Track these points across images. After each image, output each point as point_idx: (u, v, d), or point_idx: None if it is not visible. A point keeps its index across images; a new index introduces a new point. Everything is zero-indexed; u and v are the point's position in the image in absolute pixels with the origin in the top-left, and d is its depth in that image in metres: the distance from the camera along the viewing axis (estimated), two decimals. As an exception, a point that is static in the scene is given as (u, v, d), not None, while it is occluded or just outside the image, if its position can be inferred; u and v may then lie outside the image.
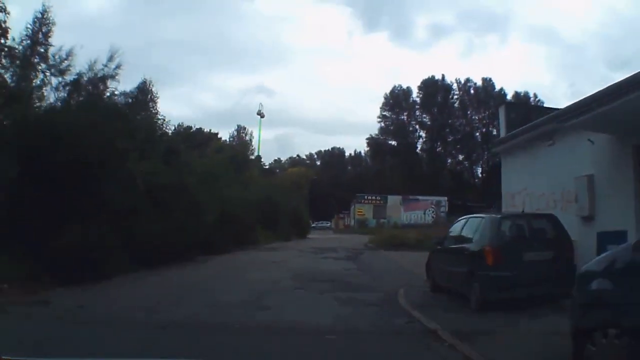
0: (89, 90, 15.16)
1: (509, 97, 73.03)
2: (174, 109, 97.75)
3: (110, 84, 15.27)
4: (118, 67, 15.13)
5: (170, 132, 22.08)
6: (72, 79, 16.22)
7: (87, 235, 11.20)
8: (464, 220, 9.75)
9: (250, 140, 56.00)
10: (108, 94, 15.30)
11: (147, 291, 10.60)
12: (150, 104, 31.78)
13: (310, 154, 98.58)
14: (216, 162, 25.16)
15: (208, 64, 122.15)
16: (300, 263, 17.51)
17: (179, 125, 45.12)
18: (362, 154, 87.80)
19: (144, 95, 32.88)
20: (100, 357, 4.89)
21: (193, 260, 17.31)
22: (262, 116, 49.08)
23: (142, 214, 15.13)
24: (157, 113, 27.27)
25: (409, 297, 9.67)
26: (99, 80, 15.23)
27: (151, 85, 32.55)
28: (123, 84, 26.06)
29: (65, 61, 16.87)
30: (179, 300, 9.22)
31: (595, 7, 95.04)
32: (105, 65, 15.14)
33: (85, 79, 16.10)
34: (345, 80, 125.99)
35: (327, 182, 79.90)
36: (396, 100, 76.85)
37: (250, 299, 9.37)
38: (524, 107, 14.97)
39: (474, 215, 9.73)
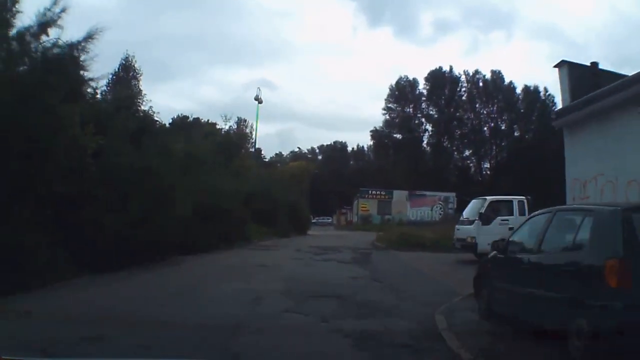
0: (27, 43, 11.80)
1: (519, 90, 70.15)
2: (175, 102, 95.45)
3: (53, 32, 11.88)
4: (63, 10, 11.71)
5: (149, 110, 18.64)
6: (14, 33, 13.05)
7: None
8: (547, 215, 6.24)
9: (251, 132, 52.66)
10: (48, 44, 11.85)
11: (54, 318, 6.80)
12: (133, 81, 28.61)
13: (312, 148, 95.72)
14: (201, 146, 21.72)
15: (209, 59, 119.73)
16: (296, 267, 14.19)
17: (177, 116, 42.32)
18: (365, 148, 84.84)
19: (126, 72, 29.64)
20: (100, 357, 4.65)
21: (164, 261, 14.06)
22: (260, 102, 45.58)
23: (95, 202, 11.87)
24: (140, 91, 24.16)
25: (457, 331, 6.32)
26: (40, 30, 11.85)
27: (134, 62, 29.21)
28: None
29: (8, 12, 13.72)
30: (85, 340, 5.42)
31: (597, 6, 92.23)
32: (49, 9, 11.76)
33: (30, 33, 12.88)
34: (349, 76, 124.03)
35: (329, 176, 76.75)
36: (402, 92, 73.58)
37: (212, 337, 5.94)
38: (591, 69, 11.44)
39: (567, 207, 6.32)
